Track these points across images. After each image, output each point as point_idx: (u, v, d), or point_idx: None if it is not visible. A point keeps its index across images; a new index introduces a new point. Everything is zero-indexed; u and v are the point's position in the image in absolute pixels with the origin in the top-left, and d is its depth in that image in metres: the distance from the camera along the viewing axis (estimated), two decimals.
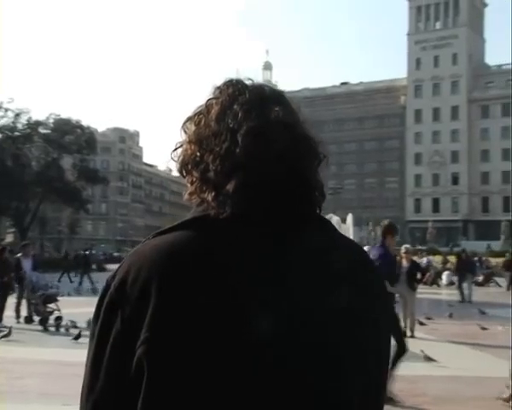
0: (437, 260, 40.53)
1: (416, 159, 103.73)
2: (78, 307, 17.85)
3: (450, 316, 17.71)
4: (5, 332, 13.52)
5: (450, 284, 27.94)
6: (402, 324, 11.21)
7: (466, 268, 25.26)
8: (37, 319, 15.76)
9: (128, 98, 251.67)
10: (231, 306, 1.08)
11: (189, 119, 1.25)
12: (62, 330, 14.70)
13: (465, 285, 24.56)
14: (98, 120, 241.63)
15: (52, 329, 15.01)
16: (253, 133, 1.15)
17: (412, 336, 12.75)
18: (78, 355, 11.25)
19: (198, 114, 1.23)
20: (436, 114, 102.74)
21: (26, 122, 65.09)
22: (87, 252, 38.58)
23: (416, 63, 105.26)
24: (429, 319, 16.27)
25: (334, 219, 24.51)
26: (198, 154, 1.19)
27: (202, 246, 1.12)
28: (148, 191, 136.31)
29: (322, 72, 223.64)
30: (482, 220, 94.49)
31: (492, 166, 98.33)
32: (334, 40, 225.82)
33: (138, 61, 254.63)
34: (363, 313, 1.17)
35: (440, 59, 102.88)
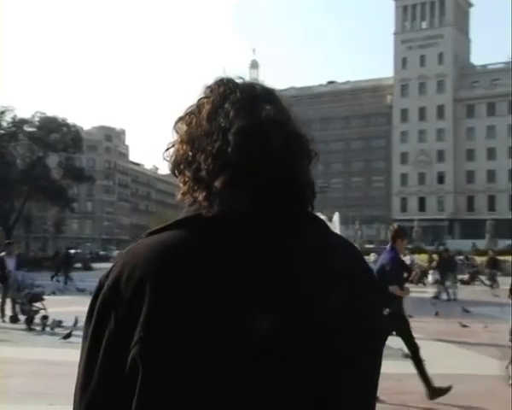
0: (422, 258, 40.70)
1: (402, 158, 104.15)
2: (64, 306, 17.81)
3: (436, 314, 17.80)
4: None
5: (436, 282, 28.20)
6: None
7: (447, 267, 25.49)
8: (22, 318, 15.63)
9: (114, 97, 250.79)
10: (227, 305, 1.07)
11: (181, 119, 1.24)
12: (48, 329, 14.60)
13: (448, 284, 24.78)
14: (84, 118, 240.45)
15: (38, 328, 14.89)
16: (245, 132, 1.14)
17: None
18: (64, 355, 11.26)
19: (189, 113, 1.23)
20: (422, 113, 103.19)
21: (11, 120, 64.60)
22: (70, 251, 38.40)
23: (402, 62, 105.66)
24: (410, 317, 16.33)
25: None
26: (190, 153, 1.19)
27: (195, 245, 1.12)
28: (134, 190, 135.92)
29: (308, 71, 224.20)
30: (467, 219, 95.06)
31: (478, 166, 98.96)
32: (320, 39, 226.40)
33: (124, 60, 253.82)
34: (360, 313, 1.17)
35: (426, 58, 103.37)
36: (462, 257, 46.25)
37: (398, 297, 8.02)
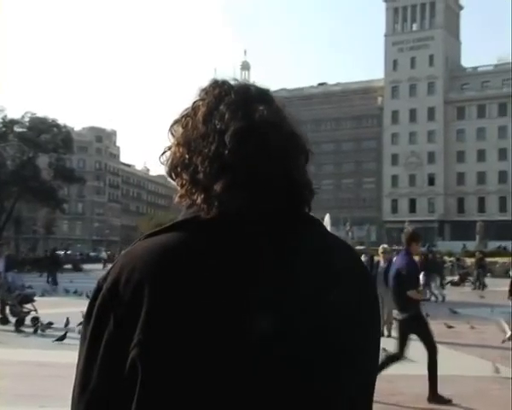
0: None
1: (392, 159, 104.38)
2: (53, 308, 17.75)
3: (427, 316, 17.83)
4: None
5: (440, 285, 28.33)
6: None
7: (432, 269, 25.50)
8: (13, 319, 15.51)
9: (106, 98, 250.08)
10: (227, 305, 1.07)
11: (177, 121, 1.24)
12: (38, 330, 14.51)
13: (433, 285, 24.92)
14: (75, 119, 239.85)
15: (27, 330, 14.78)
16: (241, 134, 1.14)
17: (389, 336, 12.81)
18: (54, 356, 11.24)
19: (185, 116, 1.23)
20: (413, 115, 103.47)
21: (0, 120, 64.50)
22: (57, 252, 38.24)
23: (392, 64, 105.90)
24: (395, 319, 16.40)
25: None
26: (187, 156, 1.19)
27: (194, 246, 1.12)
28: (125, 191, 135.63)
29: (299, 72, 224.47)
30: (458, 221, 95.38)
31: (468, 167, 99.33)
32: (311, 41, 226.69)
33: (116, 60, 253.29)
34: (359, 313, 1.18)
35: (417, 60, 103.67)
36: (452, 259, 46.47)
37: (415, 300, 8.06)
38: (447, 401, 7.81)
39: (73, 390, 1.15)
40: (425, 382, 8.00)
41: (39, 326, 14.41)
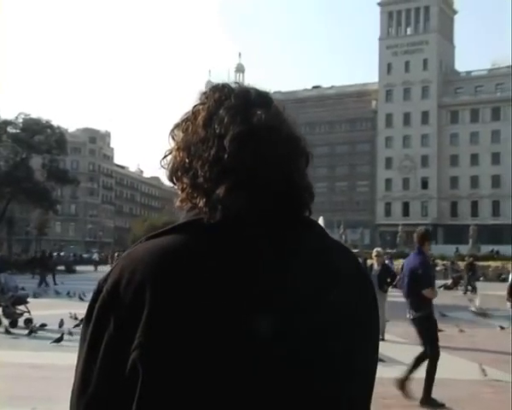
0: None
1: (386, 163, 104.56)
2: (45, 309, 17.70)
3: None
4: None
5: None
6: None
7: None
8: (6, 321, 15.43)
9: (100, 99, 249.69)
10: (227, 306, 1.08)
11: (177, 125, 1.25)
12: (33, 332, 14.44)
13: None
14: (69, 120, 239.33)
15: (20, 331, 14.73)
16: (240, 138, 1.15)
17: (382, 339, 12.85)
18: (47, 358, 11.23)
19: (185, 120, 1.23)
20: (407, 118, 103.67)
21: None
22: (48, 253, 38.18)
23: (387, 68, 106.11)
24: (387, 321, 16.42)
25: None
26: (187, 160, 1.20)
27: (195, 248, 1.12)
28: (118, 192, 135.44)
29: (293, 75, 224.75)
30: (451, 224, 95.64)
31: (461, 171, 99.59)
32: (306, 44, 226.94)
33: (110, 62, 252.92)
34: (358, 313, 1.19)
35: (411, 64, 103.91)
36: (446, 262, 46.61)
37: (430, 300, 8.20)
38: (440, 405, 7.84)
39: (72, 392, 1.15)
40: (418, 385, 8.01)
41: (34, 328, 14.36)
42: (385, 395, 8.17)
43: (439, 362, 8.09)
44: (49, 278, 33.70)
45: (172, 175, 1.23)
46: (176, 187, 1.24)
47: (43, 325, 14.46)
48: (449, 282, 35.89)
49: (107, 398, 1.10)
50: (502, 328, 16.11)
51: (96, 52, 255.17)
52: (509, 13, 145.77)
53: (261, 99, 1.23)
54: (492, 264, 48.72)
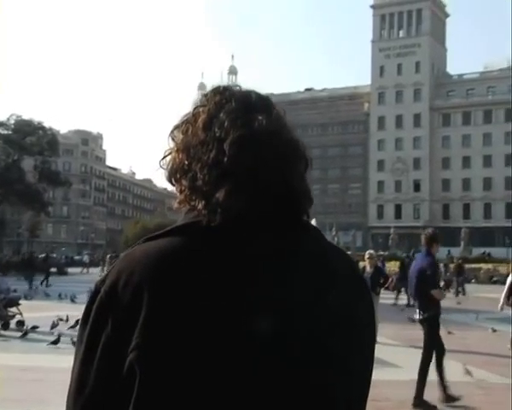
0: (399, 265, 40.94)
1: (378, 165, 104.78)
2: (37, 311, 17.62)
3: (413, 321, 17.88)
4: None
5: (395, 289, 28.64)
6: None
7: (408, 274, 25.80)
8: None
9: (92, 100, 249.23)
10: (226, 308, 1.08)
11: (177, 127, 1.24)
12: (28, 334, 14.34)
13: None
14: (61, 121, 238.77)
15: (13, 333, 14.66)
16: (239, 142, 1.15)
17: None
18: (39, 360, 11.17)
19: (185, 122, 1.23)
20: (399, 121, 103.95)
21: None
22: (48, 256, 38.06)
23: (379, 71, 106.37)
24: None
25: None
26: (186, 162, 1.19)
27: (193, 250, 1.12)
28: (110, 194, 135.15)
29: (286, 77, 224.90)
30: (443, 227, 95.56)
31: (453, 174, 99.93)
32: (298, 46, 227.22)
33: (102, 63, 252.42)
34: (356, 314, 1.20)
35: (403, 67, 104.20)
36: (441, 264, 46.69)
37: (437, 300, 8.29)
38: (432, 407, 7.85)
39: (69, 393, 1.14)
40: (410, 387, 8.03)
41: (28, 330, 14.26)
42: (377, 398, 8.18)
43: (431, 364, 8.12)
44: (36, 280, 33.58)
45: (171, 176, 1.23)
46: (174, 188, 1.23)
47: (34, 327, 14.40)
48: (441, 284, 35.95)
49: (104, 399, 1.10)
50: (494, 330, 16.16)
51: (88, 53, 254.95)
52: (507, 15, 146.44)
53: (262, 103, 1.24)
54: (484, 266, 48.90)
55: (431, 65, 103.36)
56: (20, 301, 16.79)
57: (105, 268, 48.95)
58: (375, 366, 1.26)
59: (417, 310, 8.44)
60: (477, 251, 59.22)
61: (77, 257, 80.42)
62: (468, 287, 34.85)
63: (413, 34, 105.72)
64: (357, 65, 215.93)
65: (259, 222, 1.14)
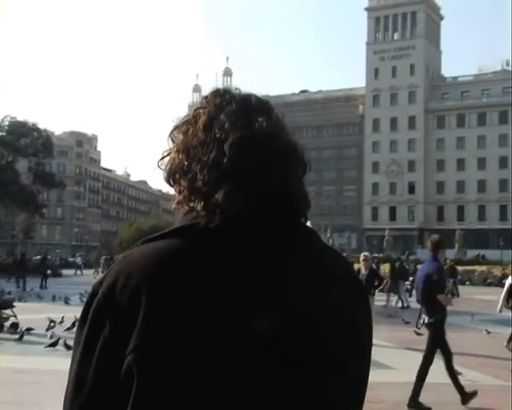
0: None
1: (373, 167, 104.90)
2: (31, 314, 17.58)
3: (407, 323, 17.93)
4: None
5: (405, 291, 28.71)
6: None
7: (399, 276, 26.69)
8: None
9: (87, 102, 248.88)
10: (226, 308, 1.08)
11: (177, 127, 1.25)
12: (17, 336, 14.27)
13: (401, 291, 25.98)
14: (55, 123, 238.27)
15: (5, 335, 14.61)
16: (240, 144, 1.15)
17: None
18: (34, 363, 11.14)
19: (185, 123, 1.24)
20: (393, 123, 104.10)
21: None
22: (45, 257, 37.98)
23: (374, 73, 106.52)
24: None
25: None
26: (185, 163, 1.20)
27: (192, 253, 1.12)
28: (105, 196, 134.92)
29: (281, 79, 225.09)
30: (437, 229, 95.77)
31: (447, 176, 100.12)
32: (293, 48, 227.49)
33: (97, 65, 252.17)
34: (354, 315, 1.21)
35: (398, 69, 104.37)
36: None
37: (442, 305, 8.37)
38: (426, 409, 7.88)
39: (66, 395, 1.14)
40: (404, 389, 8.04)
41: (24, 332, 14.15)
42: (371, 399, 8.19)
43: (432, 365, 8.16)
44: (29, 282, 33.51)
45: (170, 177, 1.23)
46: (169, 190, 1.22)
47: (29, 329, 14.36)
48: None
49: (102, 401, 1.09)
50: (488, 332, 16.19)
51: (82, 55, 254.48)
52: (502, 18, 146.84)
53: (262, 106, 1.24)
54: (478, 268, 49.00)
55: (425, 67, 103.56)
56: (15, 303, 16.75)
57: (99, 270, 48.90)
58: (371, 367, 1.32)
59: (423, 314, 8.52)
60: (471, 253, 59.39)
61: (71, 259, 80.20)
62: (463, 289, 34.95)
63: (408, 37, 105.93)
64: (352, 67, 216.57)
65: (259, 223, 1.14)
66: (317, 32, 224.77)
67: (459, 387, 8.24)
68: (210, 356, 1.05)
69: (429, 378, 8.11)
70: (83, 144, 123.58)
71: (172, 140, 1.25)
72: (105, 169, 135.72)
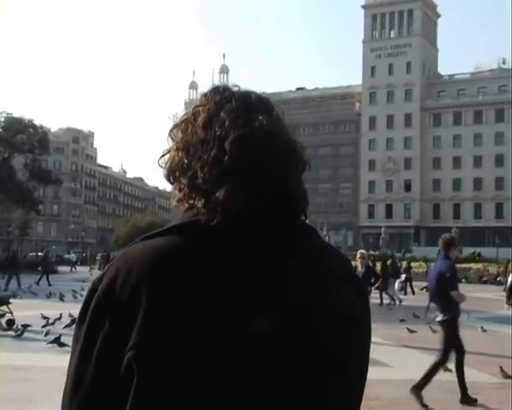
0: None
1: (370, 165, 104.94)
2: (26, 310, 17.54)
3: (402, 321, 17.97)
4: None
5: (401, 289, 28.78)
6: None
7: (391, 274, 26.78)
8: None
9: (83, 99, 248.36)
10: (225, 308, 1.08)
11: (176, 126, 1.24)
12: (13, 333, 14.22)
13: (393, 289, 26.04)
14: (51, 119, 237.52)
15: (3, 332, 14.60)
16: (240, 141, 1.15)
17: None
18: (30, 360, 11.13)
19: (185, 121, 1.23)
20: (390, 121, 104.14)
21: None
22: (46, 255, 37.98)
23: (370, 71, 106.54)
24: None
25: None
26: (185, 161, 1.19)
27: (192, 249, 1.12)
28: (101, 193, 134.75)
29: (277, 76, 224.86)
30: (433, 227, 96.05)
31: (443, 174, 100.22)
32: (290, 45, 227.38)
33: (93, 62, 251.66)
34: (354, 314, 1.21)
35: (394, 67, 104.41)
36: (428, 264, 46.85)
37: (455, 302, 8.50)
38: (424, 406, 7.89)
39: (65, 392, 1.14)
40: (400, 386, 8.06)
41: (22, 330, 14.12)
42: (368, 396, 8.19)
43: (421, 363, 8.18)
44: (23, 279, 33.47)
45: (170, 175, 1.23)
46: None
47: (25, 326, 14.34)
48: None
49: (101, 398, 1.09)
50: (484, 330, 16.22)
51: (79, 51, 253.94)
52: (499, 16, 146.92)
53: (262, 104, 1.24)
54: (474, 266, 49.12)
55: (422, 65, 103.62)
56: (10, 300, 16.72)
57: (96, 267, 48.85)
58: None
59: (436, 312, 8.63)
60: (467, 251, 59.43)
61: (67, 256, 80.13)
62: (459, 287, 34.86)
63: (404, 34, 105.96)
64: (348, 65, 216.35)
65: (259, 221, 1.14)
66: (313, 29, 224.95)
67: (463, 386, 8.27)
68: (210, 354, 1.05)
69: (420, 375, 8.13)
70: (79, 141, 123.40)
71: (172, 138, 1.24)
72: (101, 166, 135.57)
